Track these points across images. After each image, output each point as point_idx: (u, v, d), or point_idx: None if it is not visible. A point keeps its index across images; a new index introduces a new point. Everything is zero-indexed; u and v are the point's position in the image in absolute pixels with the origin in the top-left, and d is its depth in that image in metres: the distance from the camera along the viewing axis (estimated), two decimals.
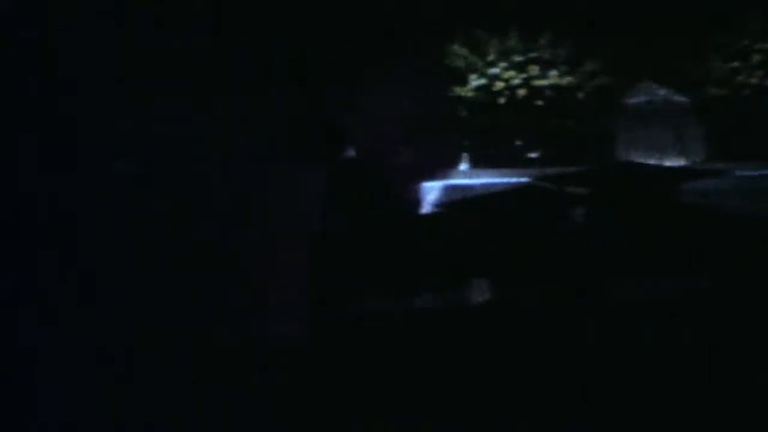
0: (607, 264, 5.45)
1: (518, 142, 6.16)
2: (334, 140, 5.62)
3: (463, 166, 6.16)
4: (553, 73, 6.10)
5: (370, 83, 6.07)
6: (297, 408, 4.69)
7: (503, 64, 6.12)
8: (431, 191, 5.89)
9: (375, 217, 5.52)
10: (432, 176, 6.01)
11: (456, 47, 6.18)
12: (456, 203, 5.78)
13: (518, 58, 6.13)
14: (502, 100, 6.10)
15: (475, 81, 6.15)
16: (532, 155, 6.15)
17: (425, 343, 5.11)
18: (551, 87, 6.08)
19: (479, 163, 6.17)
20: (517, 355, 5.08)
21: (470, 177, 6.05)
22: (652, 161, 6.04)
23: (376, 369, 4.98)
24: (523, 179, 5.91)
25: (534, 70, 6.10)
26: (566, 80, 6.10)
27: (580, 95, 6.10)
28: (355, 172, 5.61)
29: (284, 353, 5.10)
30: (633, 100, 6.09)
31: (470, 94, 6.16)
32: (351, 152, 5.72)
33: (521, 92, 6.07)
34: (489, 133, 6.17)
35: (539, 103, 6.09)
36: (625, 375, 4.64)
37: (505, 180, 5.94)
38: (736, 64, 6.18)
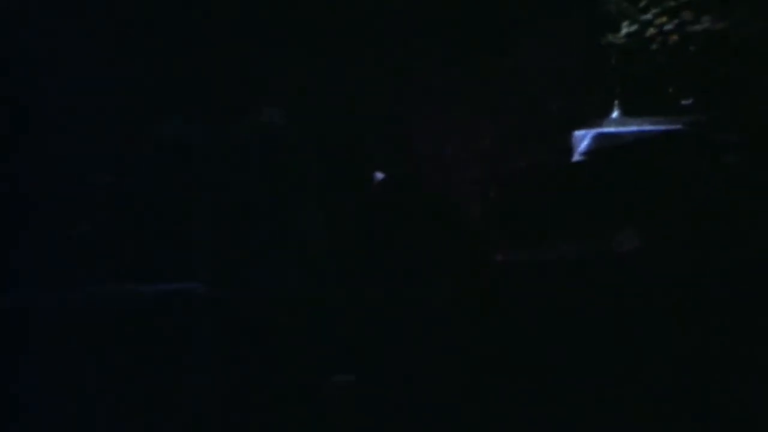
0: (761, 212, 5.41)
1: (671, 89, 6.09)
2: None
3: (615, 114, 6.13)
4: (707, 18, 5.99)
5: (523, 34, 6.11)
6: None
7: (655, 10, 6.04)
8: (582, 139, 5.91)
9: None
10: (583, 124, 6.01)
11: None
12: (606, 151, 5.80)
13: (671, 3, 6.04)
14: (654, 47, 6.03)
15: (627, 27, 6.09)
16: (686, 102, 6.07)
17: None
18: (705, 32, 5.98)
19: (631, 110, 6.13)
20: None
21: (622, 125, 6.03)
22: None
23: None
24: (676, 127, 5.88)
25: (687, 15, 6.01)
26: (720, 25, 5.99)
27: (736, 40, 5.98)
28: None
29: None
30: None
31: (622, 40, 6.11)
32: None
33: (674, 38, 5.99)
34: (641, 80, 6.11)
35: (692, 48, 6.00)
36: None
37: (658, 128, 5.91)
38: None
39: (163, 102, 5.69)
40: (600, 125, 6.02)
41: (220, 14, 5.69)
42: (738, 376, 4.87)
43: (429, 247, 5.37)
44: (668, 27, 6.02)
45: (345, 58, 5.78)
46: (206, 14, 5.69)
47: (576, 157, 5.91)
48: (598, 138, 5.90)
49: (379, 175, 5.72)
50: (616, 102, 6.15)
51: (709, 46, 6.00)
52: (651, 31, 6.05)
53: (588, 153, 5.87)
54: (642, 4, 6.10)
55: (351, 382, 5.05)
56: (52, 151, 5.50)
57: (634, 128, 5.95)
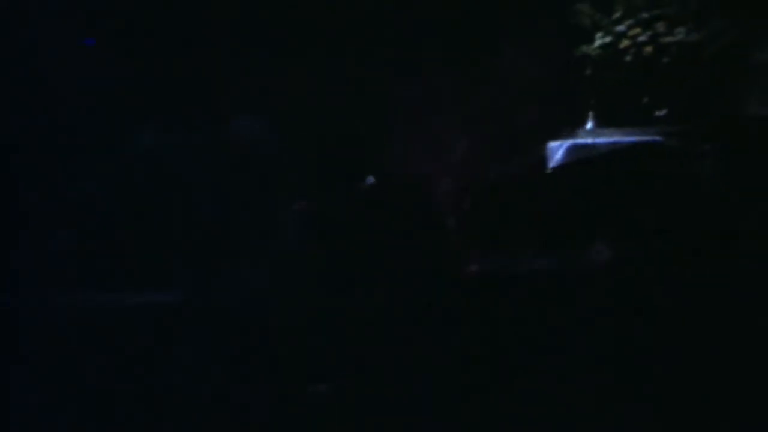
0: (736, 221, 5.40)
1: (645, 100, 6.10)
2: None
3: (589, 125, 6.13)
4: (681, 29, 6.01)
5: (496, 44, 6.10)
6: None
7: (629, 22, 6.06)
8: (556, 150, 5.90)
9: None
10: (558, 135, 6.00)
11: (581, 5, 6.15)
12: (580, 162, 5.79)
13: (645, 15, 6.05)
14: (628, 58, 6.04)
15: (600, 39, 6.10)
16: (659, 113, 6.08)
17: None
18: (678, 44, 6.00)
19: (605, 121, 6.13)
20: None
21: (596, 136, 6.03)
22: None
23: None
24: (650, 137, 5.88)
25: (661, 27, 6.02)
26: (694, 36, 6.01)
27: (708, 51, 6.00)
28: None
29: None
30: (764, 55, 5.97)
31: (596, 52, 6.12)
32: None
33: (648, 49, 6.00)
34: (615, 92, 6.12)
35: (666, 60, 6.01)
36: None
37: (631, 138, 5.91)
38: None
39: (141, 110, 5.66)
40: (574, 136, 6.02)
41: (200, 20, 5.67)
42: (712, 386, 4.85)
43: (406, 255, 5.35)
44: (642, 38, 6.03)
45: (323, 66, 5.76)
46: (187, 20, 5.67)
47: (550, 168, 5.90)
48: (573, 149, 5.90)
49: (370, 179, 5.71)
50: (590, 113, 6.15)
51: (682, 58, 6.02)
52: (625, 42, 6.07)
53: (562, 164, 5.87)
54: (616, 15, 6.12)
55: (329, 391, 5.02)
56: (29, 160, 5.46)
57: (608, 139, 5.95)
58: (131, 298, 5.32)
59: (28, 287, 5.24)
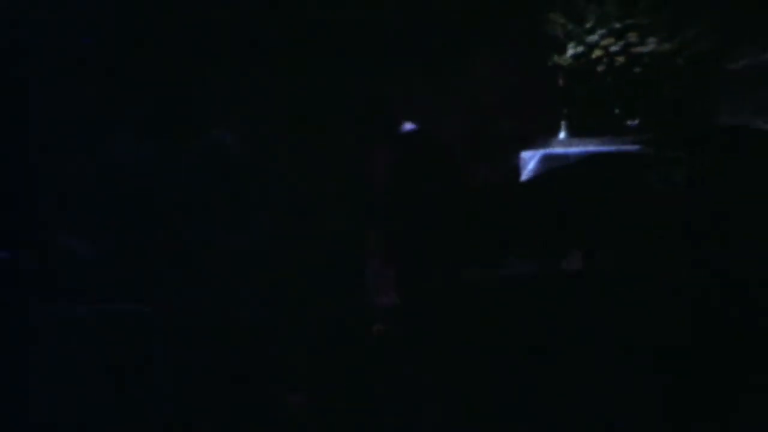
0: (711, 231, 5.40)
1: (617, 110, 6.09)
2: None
3: (562, 135, 6.12)
4: (653, 39, 6.01)
5: (468, 53, 6.09)
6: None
7: (601, 31, 6.05)
8: (529, 160, 5.88)
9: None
10: (530, 145, 5.99)
11: (554, 15, 6.14)
12: (552, 172, 5.77)
13: (617, 25, 6.06)
14: (600, 68, 6.04)
15: (573, 48, 6.09)
16: (632, 122, 6.08)
17: (521, 314, 5.15)
18: (651, 53, 6.00)
19: (578, 131, 6.12)
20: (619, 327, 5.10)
21: (569, 145, 6.02)
22: (757, 126, 5.94)
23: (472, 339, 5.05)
24: (623, 147, 5.87)
25: (633, 36, 6.03)
26: (666, 46, 6.01)
27: (680, 61, 6.00)
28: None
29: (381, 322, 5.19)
30: (735, 65, 5.99)
31: (569, 62, 6.11)
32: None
33: (620, 59, 6.00)
34: (588, 101, 6.11)
35: (638, 70, 6.01)
36: None
37: (605, 148, 5.91)
38: None
39: (113, 119, 5.60)
40: (547, 146, 6.00)
41: (176, 32, 5.62)
42: (688, 395, 4.84)
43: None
44: (614, 48, 6.03)
45: (296, 77, 5.72)
46: (162, 32, 5.62)
47: (524, 178, 5.88)
48: (546, 158, 5.88)
49: None
50: (563, 123, 6.15)
51: (655, 67, 6.03)
52: (597, 52, 6.06)
53: (535, 173, 5.85)
54: (588, 25, 6.11)
55: (304, 402, 4.98)
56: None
57: (581, 149, 5.95)
58: (104, 309, 5.25)
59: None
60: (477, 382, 4.92)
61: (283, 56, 5.68)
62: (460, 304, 5.17)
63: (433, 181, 5.50)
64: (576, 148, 5.96)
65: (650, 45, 6.02)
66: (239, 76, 5.60)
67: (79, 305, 5.19)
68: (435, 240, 5.37)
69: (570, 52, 6.10)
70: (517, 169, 5.93)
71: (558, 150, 5.98)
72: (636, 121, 6.07)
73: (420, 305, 5.27)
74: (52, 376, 4.95)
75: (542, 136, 6.07)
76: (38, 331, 5.08)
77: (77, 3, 5.51)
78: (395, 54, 5.82)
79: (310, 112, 5.63)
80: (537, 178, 5.82)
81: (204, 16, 5.61)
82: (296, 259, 5.39)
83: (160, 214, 5.43)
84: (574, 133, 6.12)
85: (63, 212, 5.45)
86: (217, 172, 5.53)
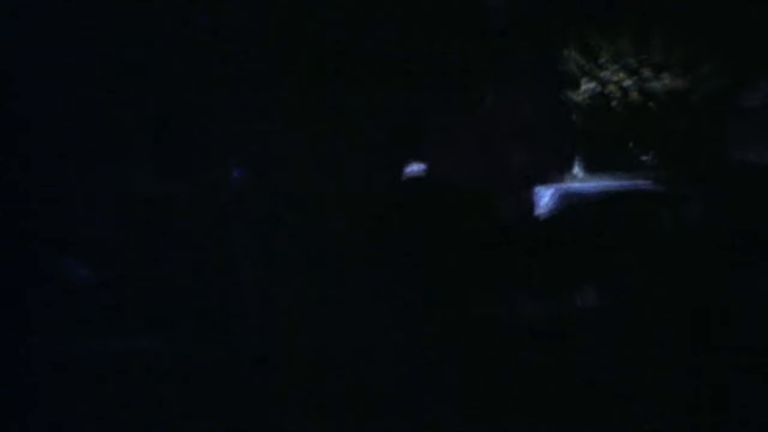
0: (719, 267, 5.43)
1: (631, 145, 6.13)
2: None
3: (576, 170, 6.16)
4: (666, 75, 6.06)
5: (484, 90, 6.14)
6: None
7: (615, 67, 6.10)
8: (543, 196, 5.92)
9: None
10: (545, 180, 6.03)
11: (569, 52, 6.19)
12: (567, 207, 5.81)
13: (630, 61, 6.10)
14: (614, 104, 6.09)
15: (587, 84, 6.14)
16: (646, 158, 6.12)
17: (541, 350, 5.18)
18: (664, 90, 6.05)
19: (592, 167, 6.16)
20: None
21: (583, 181, 6.06)
22: None
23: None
24: (637, 182, 5.91)
25: (647, 72, 6.07)
26: (680, 82, 6.06)
27: (694, 97, 6.05)
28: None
29: None
30: (749, 102, 6.03)
31: (583, 98, 6.16)
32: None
33: (634, 95, 6.05)
34: (602, 137, 6.15)
35: (652, 106, 6.06)
36: None
37: (619, 183, 5.95)
38: None
39: (134, 153, 5.64)
40: (562, 181, 6.04)
41: (190, 66, 5.67)
42: None
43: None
44: (628, 84, 6.08)
45: (309, 111, 5.76)
46: (177, 65, 5.67)
47: (538, 213, 5.92)
48: (560, 194, 5.92)
49: None
50: (577, 158, 6.19)
51: (668, 104, 6.07)
52: (611, 88, 6.10)
53: (550, 209, 5.89)
54: (602, 61, 6.16)
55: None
56: (15, 204, 5.42)
57: (595, 184, 5.98)
58: (118, 344, 5.28)
59: (11, 335, 5.20)
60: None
61: (295, 92, 5.72)
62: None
63: (443, 221, 5.52)
64: (591, 183, 6.00)
65: (663, 81, 6.06)
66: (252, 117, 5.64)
67: None
68: (448, 277, 5.42)
69: (584, 87, 6.14)
70: (532, 204, 5.96)
71: (573, 185, 6.02)
72: (649, 157, 6.11)
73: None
74: None
75: (557, 171, 6.10)
76: None
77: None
78: (411, 91, 5.87)
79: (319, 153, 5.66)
80: (551, 213, 5.86)
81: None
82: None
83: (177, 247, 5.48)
84: (589, 168, 6.16)
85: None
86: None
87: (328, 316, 5.35)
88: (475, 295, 5.47)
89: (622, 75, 6.10)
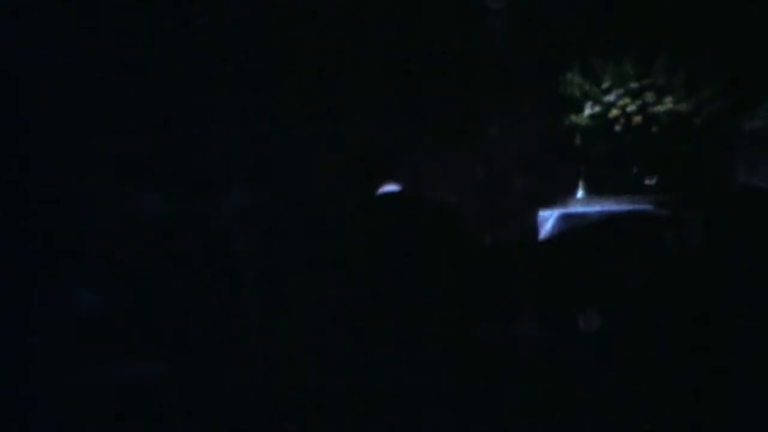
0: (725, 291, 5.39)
1: (635, 170, 6.11)
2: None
3: (579, 194, 6.13)
4: (669, 99, 6.04)
5: (486, 114, 6.12)
6: None
7: (618, 91, 6.09)
8: (546, 220, 5.89)
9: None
10: (548, 204, 6.00)
11: (571, 75, 6.19)
12: (570, 231, 5.78)
13: (634, 85, 6.09)
14: (617, 128, 6.07)
15: (590, 109, 6.13)
16: (649, 182, 6.09)
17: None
18: (667, 113, 6.03)
19: (596, 190, 6.14)
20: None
21: (586, 205, 6.03)
22: None
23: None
24: (641, 206, 5.88)
25: (650, 96, 6.06)
26: (683, 106, 6.04)
27: (697, 121, 6.02)
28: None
29: None
30: (752, 125, 6.00)
31: (586, 121, 6.15)
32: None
33: (637, 119, 6.03)
34: (605, 161, 6.13)
35: (655, 129, 6.04)
36: None
37: (622, 207, 5.92)
38: None
39: (142, 177, 5.62)
40: (565, 205, 6.02)
41: (198, 89, 5.66)
42: None
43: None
44: (631, 108, 6.06)
45: (310, 137, 5.75)
46: (185, 90, 5.66)
47: (541, 237, 5.89)
48: (563, 218, 5.89)
49: None
50: (580, 182, 6.16)
51: (671, 127, 6.05)
52: (614, 112, 6.09)
53: (553, 233, 5.86)
54: (605, 85, 6.15)
55: None
56: (20, 225, 5.41)
57: (599, 208, 5.96)
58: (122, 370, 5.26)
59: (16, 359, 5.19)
60: None
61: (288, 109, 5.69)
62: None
63: (428, 245, 5.47)
64: (594, 208, 5.97)
65: (667, 105, 6.05)
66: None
67: None
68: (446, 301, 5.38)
69: (587, 111, 6.14)
70: (534, 229, 5.93)
71: (576, 209, 5.99)
72: (653, 181, 6.08)
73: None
74: None
75: (560, 195, 6.08)
76: None
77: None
78: (406, 113, 5.85)
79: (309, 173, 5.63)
80: (554, 237, 5.83)
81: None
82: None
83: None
84: (592, 192, 6.13)
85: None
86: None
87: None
88: (470, 319, 5.43)
89: (625, 99, 6.08)
